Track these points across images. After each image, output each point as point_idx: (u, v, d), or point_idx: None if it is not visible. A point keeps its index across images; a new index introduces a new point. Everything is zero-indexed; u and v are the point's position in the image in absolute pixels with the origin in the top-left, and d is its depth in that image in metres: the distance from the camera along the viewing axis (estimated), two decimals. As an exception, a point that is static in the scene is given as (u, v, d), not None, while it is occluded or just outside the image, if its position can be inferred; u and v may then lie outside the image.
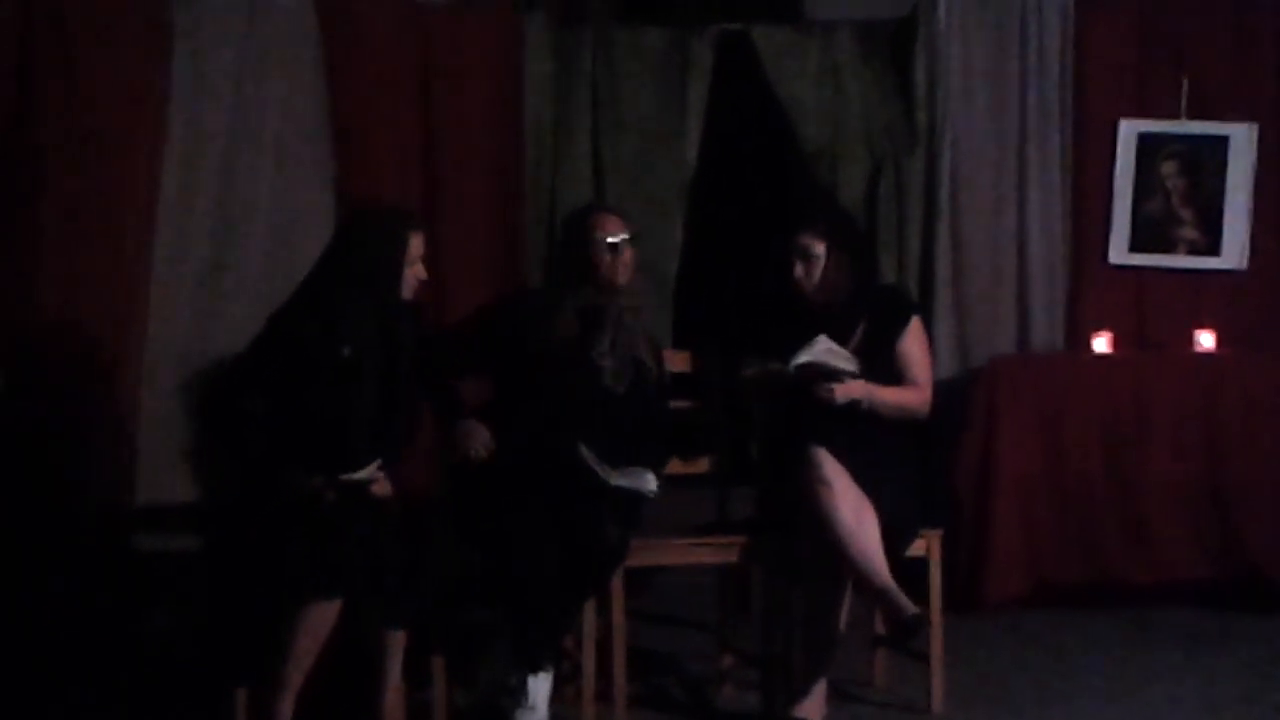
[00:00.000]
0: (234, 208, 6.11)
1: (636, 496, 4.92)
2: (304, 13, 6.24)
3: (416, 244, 4.80)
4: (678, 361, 5.56)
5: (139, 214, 5.98)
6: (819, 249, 5.01)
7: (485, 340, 5.10)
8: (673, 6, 7.24)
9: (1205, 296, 6.51)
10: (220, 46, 6.11)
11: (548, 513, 4.77)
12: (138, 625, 5.66)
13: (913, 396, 5.05)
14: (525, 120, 6.52)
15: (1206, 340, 6.36)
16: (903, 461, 4.97)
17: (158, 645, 5.56)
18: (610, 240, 5.04)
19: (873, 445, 4.89)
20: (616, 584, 4.93)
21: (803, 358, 4.89)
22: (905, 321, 5.08)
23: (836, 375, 4.90)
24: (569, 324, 5.00)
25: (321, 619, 4.47)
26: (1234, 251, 6.48)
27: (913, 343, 5.08)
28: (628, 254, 5.06)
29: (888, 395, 5.00)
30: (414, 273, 4.80)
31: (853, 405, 4.95)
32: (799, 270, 5.03)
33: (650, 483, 4.92)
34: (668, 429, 5.16)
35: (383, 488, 4.70)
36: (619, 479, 4.86)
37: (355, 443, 4.67)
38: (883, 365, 5.00)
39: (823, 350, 4.89)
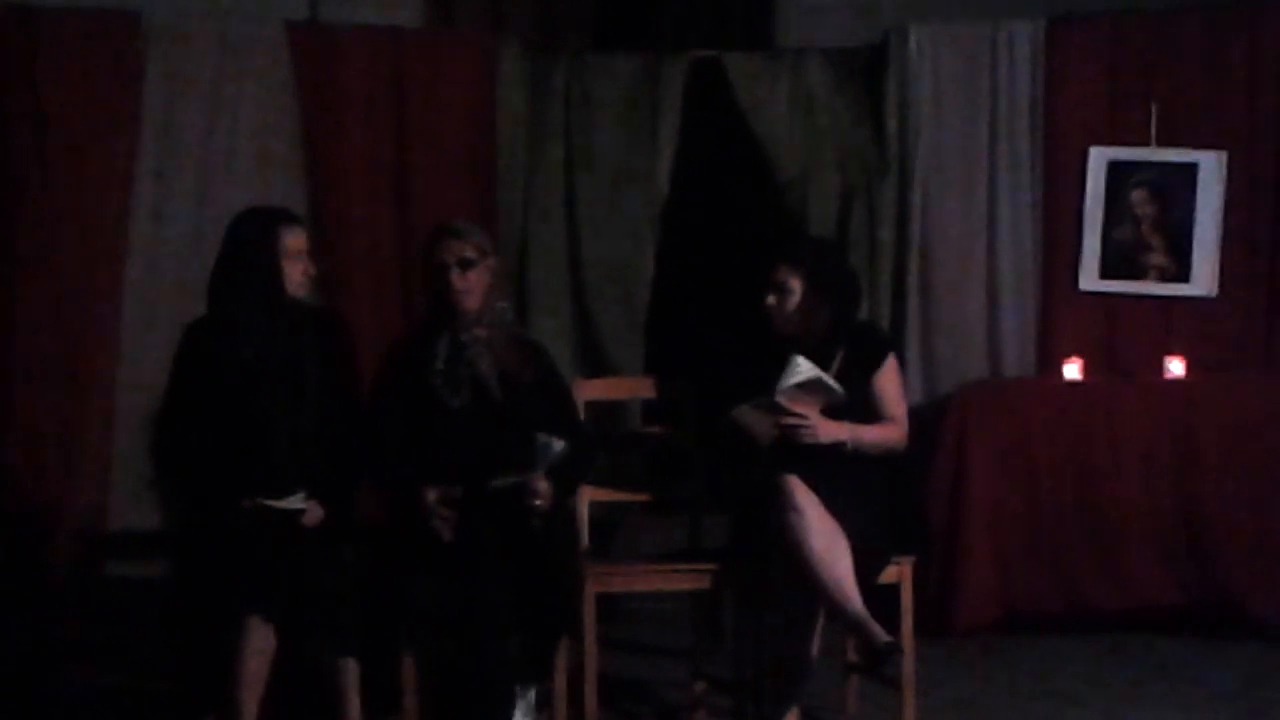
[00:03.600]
0: (206, 237, 6.08)
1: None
2: (277, 39, 6.25)
3: (292, 239, 4.79)
4: (643, 389, 5.58)
5: (110, 244, 5.99)
6: (794, 284, 5.00)
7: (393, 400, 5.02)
8: (645, 33, 7.27)
9: (1175, 323, 6.52)
10: (193, 74, 6.12)
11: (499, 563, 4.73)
12: (107, 652, 5.65)
13: (893, 433, 5.05)
14: (498, 145, 6.53)
15: (1177, 367, 6.37)
16: (874, 489, 4.97)
17: (130, 671, 5.54)
18: (442, 263, 4.88)
19: (844, 473, 4.89)
20: (588, 611, 4.92)
21: (792, 380, 4.87)
22: (881, 360, 5.07)
23: (830, 390, 4.89)
24: (405, 360, 4.92)
25: (258, 641, 4.48)
26: (1204, 278, 6.51)
27: (888, 380, 5.07)
28: (468, 277, 4.88)
29: (871, 434, 5.00)
30: (299, 268, 4.79)
31: (838, 446, 4.94)
32: (770, 300, 5.02)
33: (554, 443, 4.81)
34: (578, 438, 4.98)
35: (313, 517, 4.70)
36: (541, 464, 4.77)
37: (272, 460, 4.66)
38: (858, 403, 4.99)
39: (807, 369, 4.87)
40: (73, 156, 5.94)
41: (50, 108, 5.93)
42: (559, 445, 4.79)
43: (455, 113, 6.45)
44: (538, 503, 4.78)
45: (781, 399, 4.87)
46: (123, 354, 6.02)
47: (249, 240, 4.77)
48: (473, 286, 4.89)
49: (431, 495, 4.76)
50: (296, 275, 4.79)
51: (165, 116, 6.10)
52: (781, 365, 4.90)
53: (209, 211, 6.12)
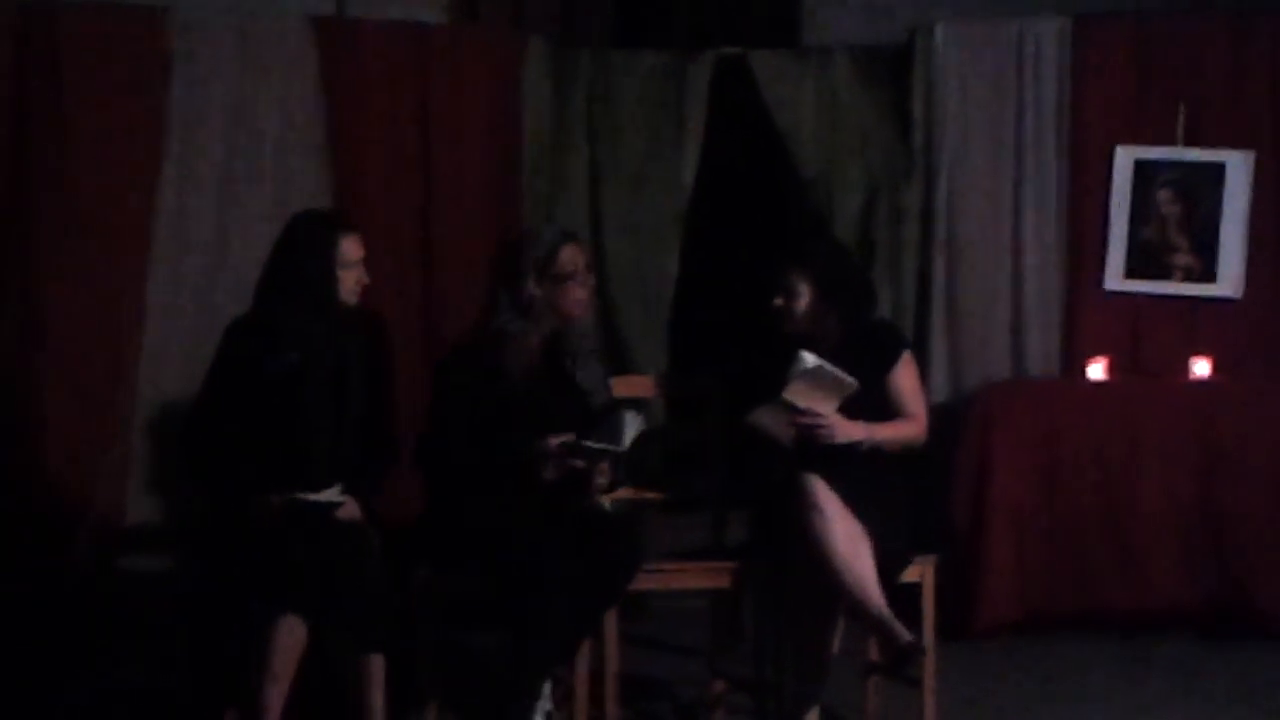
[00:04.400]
0: (230, 234, 6.11)
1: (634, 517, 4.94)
2: (302, 34, 6.26)
3: (350, 246, 4.79)
4: (665, 386, 5.60)
5: (133, 241, 5.99)
6: (802, 287, 5.00)
7: (466, 401, 5.00)
8: (671, 30, 7.27)
9: (1201, 324, 6.50)
10: (217, 69, 6.13)
11: (558, 530, 4.75)
12: (129, 646, 5.67)
13: (911, 429, 5.04)
14: (523, 141, 6.54)
15: (1202, 368, 6.35)
16: (896, 488, 4.96)
17: (149, 666, 5.56)
18: (577, 267, 4.93)
19: (866, 472, 4.88)
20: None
21: (796, 373, 4.85)
22: (896, 357, 5.06)
23: (841, 381, 4.88)
24: (533, 354, 4.93)
25: (289, 638, 4.48)
26: (1230, 279, 6.48)
27: (905, 376, 5.06)
28: (592, 284, 4.99)
29: (887, 432, 4.98)
30: (353, 276, 4.79)
31: (853, 445, 4.94)
32: (779, 301, 5.02)
33: (637, 418, 4.85)
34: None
35: (349, 511, 4.70)
36: (625, 438, 4.80)
37: (312, 459, 4.67)
38: (876, 400, 4.99)
39: (813, 362, 4.86)
40: (96, 153, 5.94)
41: (74, 103, 5.93)
42: (640, 420, 4.84)
43: (479, 109, 6.46)
44: (600, 480, 4.83)
45: (791, 396, 4.86)
46: (144, 350, 6.03)
47: (306, 245, 4.77)
48: (591, 295, 4.98)
49: (554, 442, 4.76)
50: (350, 283, 4.79)
51: (190, 111, 6.10)
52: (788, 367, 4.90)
53: (233, 208, 6.13)
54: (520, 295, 4.92)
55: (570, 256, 4.93)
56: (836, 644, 4.86)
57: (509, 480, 4.81)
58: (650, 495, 5.49)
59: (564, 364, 4.94)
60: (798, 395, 4.86)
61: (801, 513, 4.76)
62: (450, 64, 6.42)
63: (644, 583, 5.05)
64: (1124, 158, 6.55)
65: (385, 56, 6.35)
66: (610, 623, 4.92)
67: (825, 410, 4.89)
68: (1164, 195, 6.55)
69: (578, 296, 4.92)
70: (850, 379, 4.88)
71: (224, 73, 6.14)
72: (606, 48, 6.84)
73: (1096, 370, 6.40)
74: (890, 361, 5.05)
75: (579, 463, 4.77)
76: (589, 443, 4.77)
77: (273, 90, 6.20)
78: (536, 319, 4.92)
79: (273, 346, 4.69)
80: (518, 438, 4.79)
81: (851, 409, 4.93)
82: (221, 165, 6.14)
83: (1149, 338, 6.54)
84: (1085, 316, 6.56)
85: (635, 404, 5.08)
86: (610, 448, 4.78)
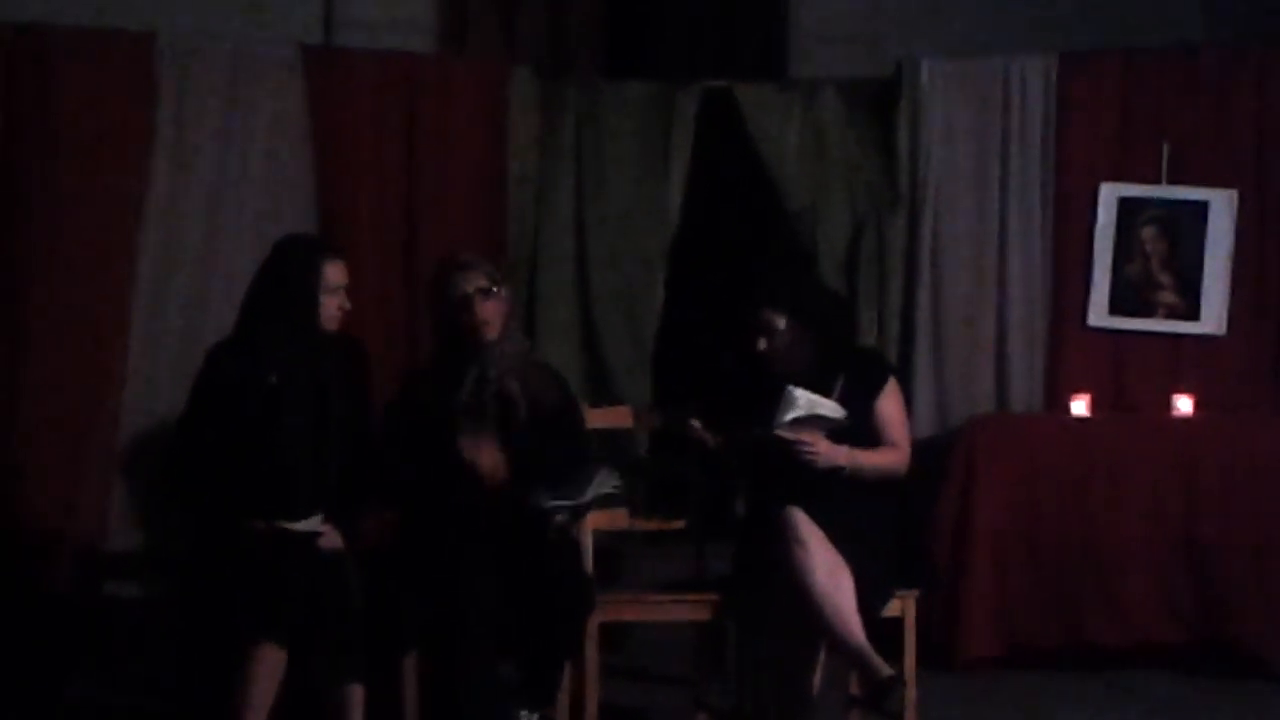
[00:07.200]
0: (217, 260, 6.11)
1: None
2: (291, 62, 6.26)
3: (333, 272, 4.81)
4: (648, 418, 5.59)
5: (118, 265, 5.98)
6: (780, 323, 5.02)
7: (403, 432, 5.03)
8: (658, 62, 7.28)
9: (1184, 361, 6.51)
10: (206, 96, 6.13)
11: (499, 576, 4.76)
12: (106, 672, 5.65)
13: (893, 458, 5.06)
14: (509, 172, 6.54)
15: (1184, 405, 6.36)
16: (878, 522, 4.97)
17: (130, 690, 5.54)
18: (464, 294, 4.96)
19: (848, 506, 4.89)
20: (591, 638, 4.92)
21: (789, 415, 4.88)
22: (881, 383, 5.08)
23: (831, 419, 4.90)
24: (425, 388, 4.98)
25: (268, 666, 4.48)
26: (1213, 316, 6.50)
27: (890, 404, 5.08)
28: (489, 306, 4.97)
29: (869, 459, 5.01)
30: (335, 302, 4.81)
31: (834, 471, 4.95)
32: (761, 344, 5.04)
33: (609, 478, 4.89)
34: (574, 459, 5.03)
35: (330, 541, 4.69)
36: (591, 494, 4.86)
37: (293, 482, 4.67)
38: (860, 427, 5.00)
39: (805, 403, 4.89)
40: (84, 177, 5.94)
41: (63, 127, 5.93)
42: (613, 481, 4.87)
43: (466, 138, 6.46)
44: (558, 517, 4.84)
45: (782, 433, 4.89)
46: (129, 374, 6.02)
47: (290, 269, 4.79)
48: (493, 316, 4.96)
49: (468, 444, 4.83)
50: (332, 308, 4.81)
51: (177, 138, 6.11)
52: (775, 401, 4.91)
53: (219, 236, 6.12)
54: (438, 331, 5.02)
55: (456, 282, 4.96)
56: (818, 677, 4.86)
57: (451, 512, 4.82)
58: (632, 526, 5.48)
59: (484, 387, 4.94)
60: (788, 431, 4.89)
61: (783, 545, 4.77)
62: (438, 93, 6.43)
63: (626, 614, 5.05)
64: (1108, 194, 6.57)
65: (373, 85, 6.36)
66: (591, 652, 4.91)
67: (813, 439, 4.91)
68: (1148, 232, 6.58)
69: (481, 318, 4.93)
70: (839, 412, 4.91)
71: (212, 99, 6.14)
72: (595, 78, 6.84)
73: (1079, 406, 6.41)
74: (876, 388, 5.07)
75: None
76: (553, 501, 4.80)
77: (261, 117, 6.20)
78: (457, 346, 4.94)
79: (252, 369, 4.70)
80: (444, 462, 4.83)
81: (836, 436, 4.95)
82: (209, 192, 6.14)
83: (1132, 374, 6.55)
84: (1069, 352, 6.57)
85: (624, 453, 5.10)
86: (573, 503, 4.83)
